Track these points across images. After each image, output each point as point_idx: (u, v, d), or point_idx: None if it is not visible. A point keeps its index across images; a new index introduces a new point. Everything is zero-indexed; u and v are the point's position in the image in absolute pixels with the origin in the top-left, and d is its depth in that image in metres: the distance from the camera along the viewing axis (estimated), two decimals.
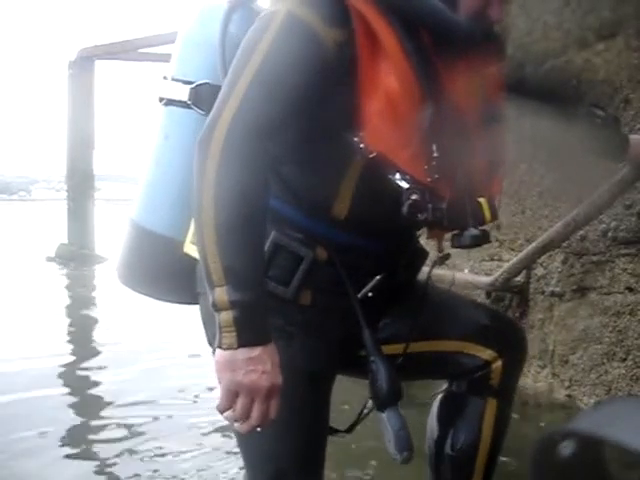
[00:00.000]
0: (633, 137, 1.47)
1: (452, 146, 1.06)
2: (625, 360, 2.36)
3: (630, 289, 2.34)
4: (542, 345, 2.75)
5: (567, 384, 2.62)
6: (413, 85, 1.04)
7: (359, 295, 1.18)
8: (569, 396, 2.60)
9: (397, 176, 1.07)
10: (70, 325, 4.50)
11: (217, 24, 1.23)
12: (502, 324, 1.40)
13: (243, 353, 0.98)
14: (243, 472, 1.26)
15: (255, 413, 1.01)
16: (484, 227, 1.11)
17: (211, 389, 2.85)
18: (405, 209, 1.06)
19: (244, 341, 0.99)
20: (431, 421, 1.41)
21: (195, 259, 1.17)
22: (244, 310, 0.98)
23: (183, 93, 1.25)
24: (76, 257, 7.36)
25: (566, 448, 0.49)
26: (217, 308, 1.00)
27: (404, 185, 1.06)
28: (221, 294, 0.99)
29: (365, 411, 1.24)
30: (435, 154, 1.04)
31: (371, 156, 1.06)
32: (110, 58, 7.74)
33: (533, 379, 2.80)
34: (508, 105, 1.21)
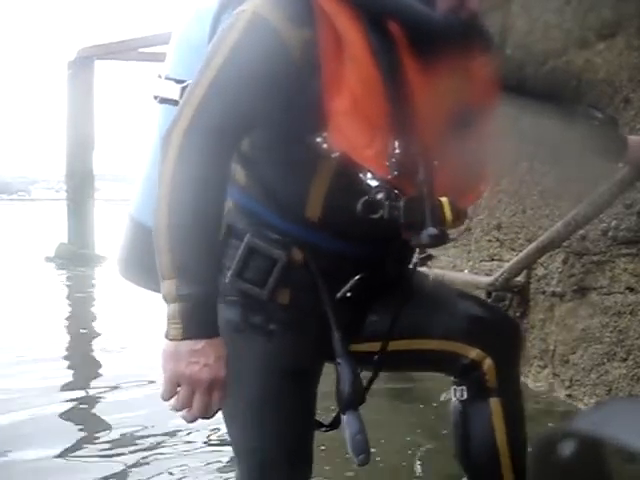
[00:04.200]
0: (632, 138, 1.46)
1: (414, 144, 1.05)
2: (626, 360, 2.36)
3: (631, 289, 2.34)
4: (543, 345, 2.75)
5: (567, 384, 2.62)
6: (377, 85, 1.03)
7: (338, 295, 1.18)
8: (569, 396, 2.60)
9: (368, 175, 1.07)
10: (70, 325, 4.50)
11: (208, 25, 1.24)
12: (490, 319, 1.34)
13: (187, 345, 1.02)
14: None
15: (196, 404, 1.04)
16: (447, 228, 1.08)
17: None
18: (359, 207, 1.06)
19: (188, 334, 1.02)
20: (451, 432, 1.37)
21: None
22: (190, 304, 1.01)
23: (175, 92, 1.27)
24: (76, 257, 7.37)
25: (566, 448, 0.49)
26: (166, 300, 1.03)
27: (373, 184, 1.07)
28: (170, 287, 1.02)
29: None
30: (397, 151, 1.04)
31: (334, 156, 1.06)
32: (109, 58, 7.75)
33: (533, 379, 2.80)
34: (504, 103, 1.20)
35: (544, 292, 2.73)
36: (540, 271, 2.74)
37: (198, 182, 1.02)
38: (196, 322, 1.02)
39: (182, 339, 1.02)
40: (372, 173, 1.06)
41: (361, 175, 1.07)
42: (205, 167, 1.03)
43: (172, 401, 1.05)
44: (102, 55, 7.60)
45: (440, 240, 1.08)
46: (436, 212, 1.07)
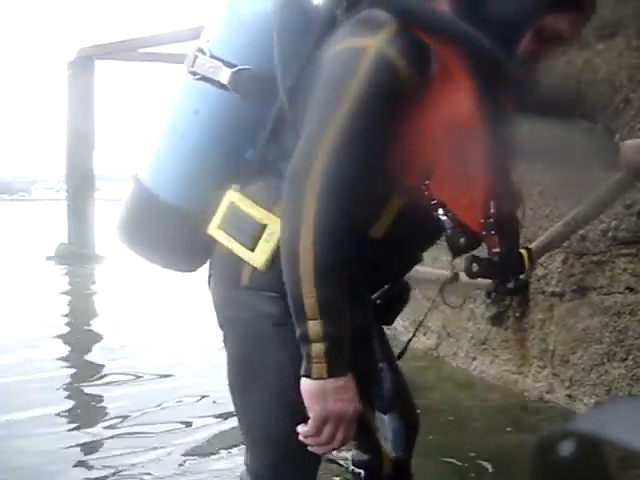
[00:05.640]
0: (626, 143, 1.47)
1: (507, 205, 1.10)
2: (625, 360, 2.36)
3: (630, 289, 2.34)
4: (542, 345, 2.75)
5: (567, 384, 2.62)
6: (481, 137, 1.05)
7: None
8: (569, 396, 2.61)
9: (440, 211, 1.11)
10: (69, 324, 4.50)
11: (266, 6, 1.19)
12: (410, 419, 1.37)
13: (332, 383, 1.05)
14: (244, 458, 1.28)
15: (339, 437, 1.08)
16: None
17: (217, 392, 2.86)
18: (466, 263, 1.12)
19: (333, 372, 1.05)
20: None
21: (217, 241, 1.21)
22: (334, 343, 1.05)
23: (223, 75, 1.21)
24: (76, 256, 7.37)
25: (566, 448, 0.49)
26: (308, 339, 1.05)
27: (444, 219, 1.11)
28: (315, 327, 1.04)
29: None
30: (492, 210, 1.08)
31: (433, 203, 1.10)
32: (110, 58, 7.75)
33: (533, 379, 2.80)
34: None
35: (544, 292, 2.74)
36: (540, 271, 2.75)
37: (340, 232, 1.05)
38: (338, 360, 1.06)
39: (327, 377, 1.05)
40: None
41: (432, 211, 1.11)
42: (343, 215, 1.05)
43: (311, 438, 1.08)
44: (102, 55, 7.59)
45: (521, 291, 1.16)
46: (520, 266, 1.15)
